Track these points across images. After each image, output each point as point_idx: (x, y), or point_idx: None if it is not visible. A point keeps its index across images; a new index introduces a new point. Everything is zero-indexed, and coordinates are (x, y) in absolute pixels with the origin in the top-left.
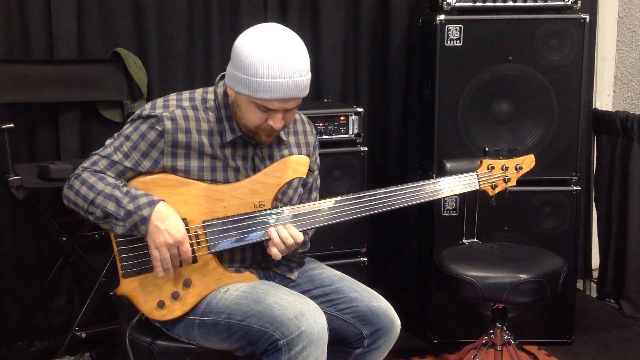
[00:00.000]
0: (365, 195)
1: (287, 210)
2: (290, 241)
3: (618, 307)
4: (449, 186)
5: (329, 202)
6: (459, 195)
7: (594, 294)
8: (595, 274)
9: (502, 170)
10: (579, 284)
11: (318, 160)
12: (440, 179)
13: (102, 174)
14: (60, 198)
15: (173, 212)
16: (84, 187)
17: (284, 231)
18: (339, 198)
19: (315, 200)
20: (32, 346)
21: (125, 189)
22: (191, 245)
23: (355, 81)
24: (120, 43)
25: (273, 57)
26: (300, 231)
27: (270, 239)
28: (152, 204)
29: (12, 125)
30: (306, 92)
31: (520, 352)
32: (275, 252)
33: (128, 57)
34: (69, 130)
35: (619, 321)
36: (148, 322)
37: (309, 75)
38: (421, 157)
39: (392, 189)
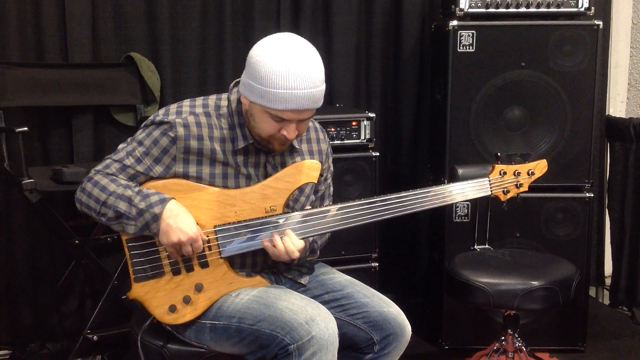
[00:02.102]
0: (376, 201)
1: (297, 215)
2: (291, 248)
3: (631, 315)
4: (461, 192)
5: (338, 208)
6: (470, 201)
7: (606, 302)
8: (608, 281)
9: (514, 175)
10: (592, 291)
11: (331, 167)
12: (451, 185)
13: (114, 177)
14: (73, 201)
15: (184, 210)
16: (96, 189)
17: (280, 243)
18: (348, 203)
19: None
20: (44, 348)
21: (137, 189)
22: (202, 250)
23: (367, 86)
24: (133, 48)
25: (288, 68)
26: (310, 237)
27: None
28: (163, 201)
29: (26, 128)
30: (320, 103)
31: (532, 359)
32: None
33: (141, 61)
34: (82, 134)
35: (631, 329)
36: (159, 325)
37: (323, 87)
38: (433, 162)
39: (403, 194)
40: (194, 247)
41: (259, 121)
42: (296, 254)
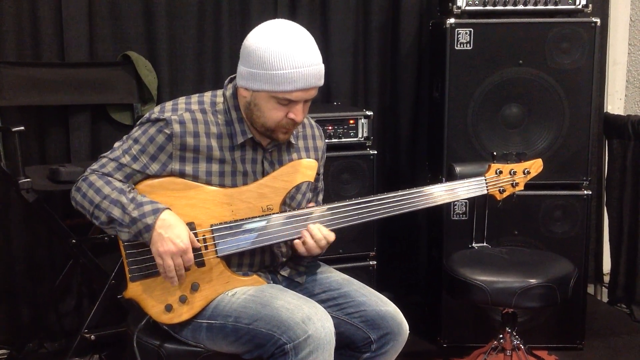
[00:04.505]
0: (373, 200)
1: (291, 214)
2: (323, 242)
3: (629, 312)
4: (457, 191)
5: (327, 208)
6: (468, 199)
7: (605, 299)
8: (606, 279)
9: (510, 174)
10: (590, 289)
11: (323, 163)
12: (447, 184)
13: (109, 177)
14: (70, 200)
15: (178, 220)
16: (91, 190)
17: (318, 233)
18: (346, 202)
19: (320, 203)
20: (42, 347)
21: (131, 195)
22: (199, 249)
23: (365, 84)
24: (130, 46)
25: (290, 47)
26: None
27: (301, 239)
28: (156, 212)
29: (22, 127)
30: (323, 80)
31: (530, 357)
32: (302, 250)
33: (138, 60)
34: (79, 133)
35: (629, 326)
36: (156, 325)
37: (323, 64)
38: (431, 160)
39: (400, 193)
40: (184, 259)
41: (265, 109)
42: (323, 242)
